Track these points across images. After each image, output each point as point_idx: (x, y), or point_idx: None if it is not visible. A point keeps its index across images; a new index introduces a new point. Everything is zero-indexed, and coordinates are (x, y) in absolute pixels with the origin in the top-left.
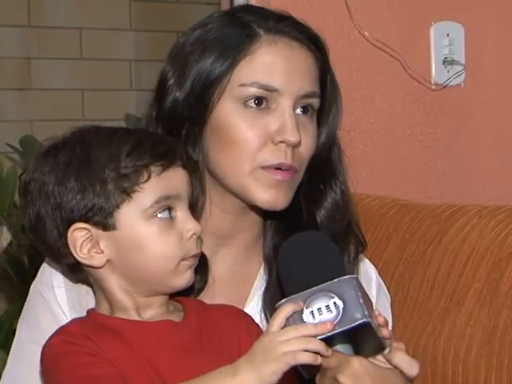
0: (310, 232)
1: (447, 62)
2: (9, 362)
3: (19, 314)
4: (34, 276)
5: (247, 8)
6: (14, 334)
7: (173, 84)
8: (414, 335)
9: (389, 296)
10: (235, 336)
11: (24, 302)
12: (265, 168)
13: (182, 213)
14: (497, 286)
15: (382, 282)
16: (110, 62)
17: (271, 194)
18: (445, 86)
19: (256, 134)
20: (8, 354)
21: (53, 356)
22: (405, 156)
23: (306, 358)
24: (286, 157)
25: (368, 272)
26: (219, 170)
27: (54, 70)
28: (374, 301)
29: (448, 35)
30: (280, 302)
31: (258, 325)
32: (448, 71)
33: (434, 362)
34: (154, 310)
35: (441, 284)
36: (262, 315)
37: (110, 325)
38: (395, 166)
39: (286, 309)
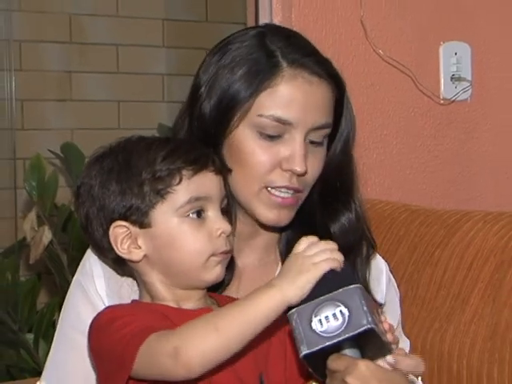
0: None
1: (455, 78)
2: (52, 348)
3: (58, 307)
4: (72, 272)
5: (276, 31)
6: (53, 325)
7: (202, 93)
8: (422, 331)
9: (398, 291)
10: (266, 328)
11: (63, 296)
12: (270, 188)
13: (212, 213)
14: (499, 286)
15: (393, 278)
16: (143, 75)
17: (274, 214)
18: (452, 101)
19: (267, 159)
20: (48, 343)
21: (105, 319)
22: (415, 165)
23: (336, 264)
24: (291, 181)
25: (379, 266)
26: (231, 186)
27: (93, 83)
28: (384, 292)
29: (456, 54)
30: (290, 312)
31: (286, 320)
32: (455, 87)
33: (441, 356)
34: (193, 303)
35: (447, 284)
36: None
37: (155, 308)
38: (406, 174)
39: (310, 238)
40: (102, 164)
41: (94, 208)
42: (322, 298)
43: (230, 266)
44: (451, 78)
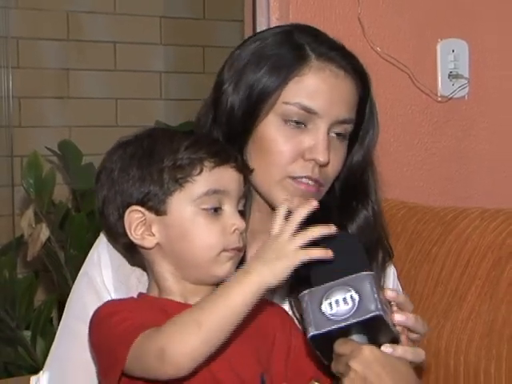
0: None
1: (452, 75)
2: (56, 338)
3: (56, 305)
4: (69, 270)
5: (304, 29)
6: (51, 322)
7: (228, 88)
8: None
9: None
10: (271, 328)
11: (60, 293)
12: (292, 178)
13: (229, 208)
14: (497, 283)
15: (399, 285)
16: (141, 73)
17: (295, 202)
18: (450, 98)
19: (290, 148)
20: (46, 340)
21: (104, 314)
22: (412, 163)
23: (317, 253)
24: (313, 172)
25: (389, 272)
26: (253, 176)
27: (91, 80)
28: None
29: (453, 51)
30: (302, 293)
31: (291, 319)
32: (453, 84)
33: (438, 353)
34: (200, 298)
35: (444, 281)
36: (287, 303)
37: (158, 303)
38: (403, 172)
39: (280, 211)
40: (126, 150)
41: (112, 191)
42: (334, 281)
43: (240, 263)
44: (449, 76)
